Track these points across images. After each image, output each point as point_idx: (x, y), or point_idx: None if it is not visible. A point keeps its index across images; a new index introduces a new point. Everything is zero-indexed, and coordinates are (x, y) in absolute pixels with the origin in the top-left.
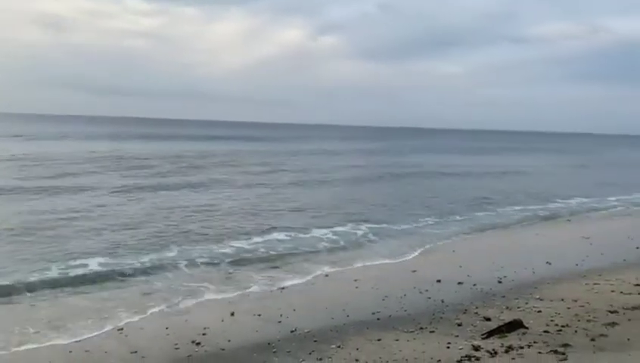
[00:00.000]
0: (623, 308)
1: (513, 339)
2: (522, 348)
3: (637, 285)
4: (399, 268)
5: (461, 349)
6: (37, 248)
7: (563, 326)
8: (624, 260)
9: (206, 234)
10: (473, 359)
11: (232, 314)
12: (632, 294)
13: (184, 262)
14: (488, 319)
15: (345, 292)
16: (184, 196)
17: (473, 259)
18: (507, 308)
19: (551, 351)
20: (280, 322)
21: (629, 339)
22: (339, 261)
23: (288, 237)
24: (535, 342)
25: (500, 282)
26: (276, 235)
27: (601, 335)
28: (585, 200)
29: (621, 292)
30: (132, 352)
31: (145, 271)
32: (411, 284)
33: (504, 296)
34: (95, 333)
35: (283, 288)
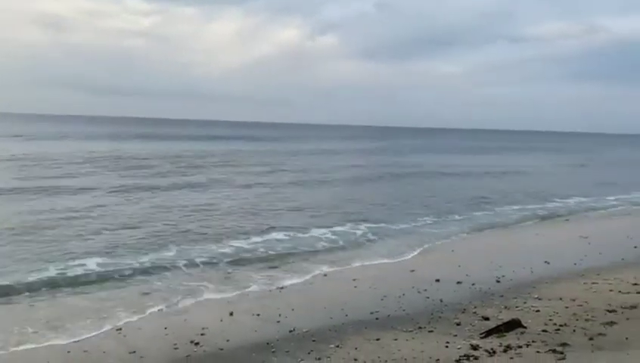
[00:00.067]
0: (622, 307)
1: (511, 338)
2: (520, 347)
3: (635, 284)
4: (398, 268)
5: (459, 348)
6: (36, 248)
7: (561, 325)
8: (622, 259)
9: (205, 234)
10: (471, 358)
11: (231, 314)
12: (630, 293)
13: (183, 262)
14: (486, 318)
15: (344, 291)
16: (183, 196)
17: (471, 258)
18: (505, 307)
19: (549, 350)
20: (278, 322)
21: (627, 339)
22: (338, 260)
23: (287, 237)
24: (533, 342)
25: (498, 281)
26: (275, 235)
27: (600, 334)
28: (583, 199)
29: (619, 291)
30: (130, 352)
31: (144, 271)
32: (409, 284)
33: (502, 296)
34: (94, 333)
35: (282, 288)
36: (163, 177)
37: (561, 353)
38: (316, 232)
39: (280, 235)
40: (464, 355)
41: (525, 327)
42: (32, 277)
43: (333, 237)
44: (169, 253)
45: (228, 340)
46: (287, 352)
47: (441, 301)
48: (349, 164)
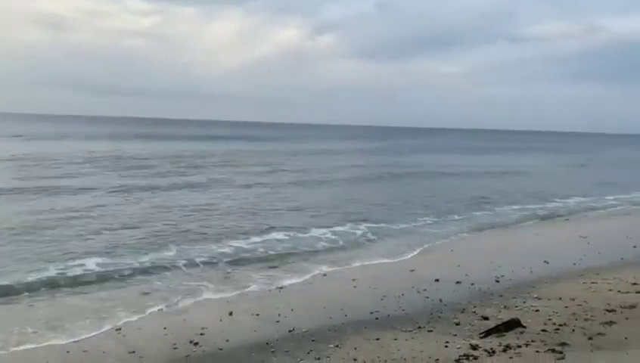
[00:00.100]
0: (621, 306)
1: (511, 338)
2: (520, 347)
3: (634, 284)
4: (398, 268)
5: (459, 348)
6: (36, 248)
7: (560, 325)
8: (622, 259)
9: (205, 234)
10: (471, 358)
11: (230, 313)
12: (629, 293)
13: (183, 262)
14: (486, 318)
15: (343, 291)
16: (183, 196)
17: (471, 258)
18: (505, 307)
19: (548, 350)
20: (278, 322)
21: (626, 338)
22: (337, 260)
23: (287, 237)
24: (532, 341)
25: (498, 281)
26: (275, 235)
27: (599, 334)
28: (583, 199)
29: (619, 291)
30: (130, 352)
31: (144, 271)
32: (409, 284)
33: (501, 296)
34: (93, 333)
35: (281, 288)
36: (162, 177)
37: (560, 353)
38: (316, 232)
39: (280, 235)
40: (464, 355)
41: (524, 327)
42: (31, 277)
43: (333, 237)
44: (169, 253)
45: (227, 340)
46: (287, 351)
47: (440, 301)
48: (349, 164)
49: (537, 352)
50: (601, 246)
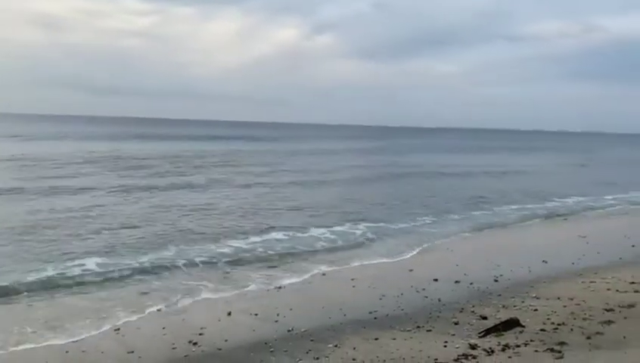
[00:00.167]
0: (619, 306)
1: (509, 337)
2: (518, 346)
3: (633, 283)
4: (396, 267)
5: (457, 347)
6: (35, 248)
7: (559, 324)
8: (620, 258)
9: (204, 234)
10: (470, 358)
11: (229, 313)
12: (627, 292)
13: (182, 262)
14: (484, 318)
15: (342, 291)
16: (183, 195)
17: (469, 257)
18: (503, 306)
19: (547, 349)
20: (277, 321)
21: (624, 337)
22: (336, 260)
23: (286, 237)
24: (531, 341)
25: (496, 281)
26: (274, 235)
27: (597, 333)
28: (581, 198)
29: (617, 290)
30: (128, 352)
31: (143, 271)
32: (408, 283)
33: (500, 295)
34: (92, 333)
35: (280, 287)
36: (161, 177)
37: (559, 352)
38: (315, 232)
39: (279, 235)
40: (463, 355)
41: (523, 326)
42: (31, 277)
43: (332, 236)
44: (168, 253)
45: (226, 340)
46: (286, 351)
47: (439, 300)
48: (348, 164)
49: (536, 351)
50: (599, 246)
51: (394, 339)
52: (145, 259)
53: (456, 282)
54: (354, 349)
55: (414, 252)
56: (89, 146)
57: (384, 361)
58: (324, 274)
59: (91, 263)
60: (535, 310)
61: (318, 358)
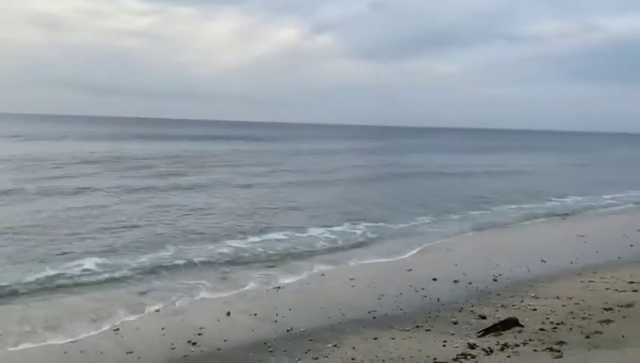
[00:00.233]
0: (618, 305)
1: (508, 337)
2: (517, 346)
3: (631, 282)
4: (396, 267)
5: (456, 347)
6: (34, 248)
7: (558, 324)
8: (619, 258)
9: (203, 234)
10: (469, 357)
11: (228, 313)
12: (626, 291)
13: (181, 262)
14: (483, 317)
15: (341, 291)
16: (182, 196)
17: (468, 257)
18: (502, 306)
19: (546, 348)
20: (276, 321)
21: (623, 336)
22: (335, 260)
23: (286, 237)
24: (530, 340)
25: (495, 280)
26: (273, 234)
27: (596, 332)
28: (580, 198)
29: (616, 289)
30: (127, 353)
31: (142, 271)
32: (407, 283)
33: (499, 295)
34: (91, 333)
35: (279, 287)
36: (161, 177)
37: (558, 351)
38: (315, 232)
39: (278, 235)
40: (462, 354)
41: (522, 326)
42: (30, 277)
43: (331, 236)
44: (167, 253)
45: (225, 340)
46: (285, 351)
47: (438, 300)
48: (348, 164)
49: (535, 350)
50: (598, 245)
51: (393, 338)
52: (144, 259)
53: (455, 282)
54: (353, 348)
55: (414, 252)
56: (89, 146)
57: (383, 360)
58: (323, 274)
59: (91, 263)
60: (534, 309)
61: (317, 358)
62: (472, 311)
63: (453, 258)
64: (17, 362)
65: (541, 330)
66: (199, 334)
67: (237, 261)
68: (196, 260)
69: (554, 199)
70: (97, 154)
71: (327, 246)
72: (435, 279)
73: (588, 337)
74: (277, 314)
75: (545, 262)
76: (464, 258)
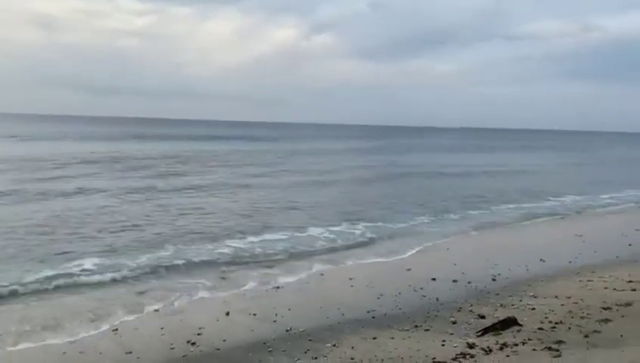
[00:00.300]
0: (616, 304)
1: (507, 336)
2: (516, 345)
3: (630, 282)
4: (394, 267)
5: (455, 346)
6: (33, 248)
7: (556, 323)
8: (617, 257)
9: (203, 233)
10: (468, 357)
11: (227, 313)
12: (625, 290)
13: (180, 262)
14: (482, 317)
15: (340, 291)
16: (181, 195)
17: (467, 257)
18: (501, 305)
19: (545, 348)
20: (275, 321)
21: (622, 336)
22: (335, 260)
23: (285, 237)
24: (529, 340)
25: (494, 280)
26: (273, 234)
27: (595, 331)
28: (578, 197)
29: (614, 288)
30: (126, 353)
31: (141, 271)
32: (406, 283)
33: (498, 294)
34: (90, 333)
35: (278, 287)
36: (161, 177)
37: (557, 351)
38: (314, 231)
39: (277, 235)
40: (461, 354)
41: (521, 325)
42: (29, 277)
43: (330, 236)
44: (166, 253)
45: (224, 340)
46: (284, 351)
47: (437, 299)
48: (347, 164)
49: (534, 350)
50: (596, 245)
51: (392, 338)
52: (144, 259)
53: (454, 281)
54: (352, 348)
55: (413, 252)
56: (89, 146)
57: (382, 360)
58: (322, 274)
59: (90, 263)
60: (533, 309)
61: (316, 358)
62: (471, 310)
63: (452, 257)
64: (16, 362)
65: (540, 329)
66: (198, 334)
67: (236, 261)
68: (195, 260)
69: (552, 198)
70: (96, 154)
71: (326, 245)
72: (434, 279)
73: (586, 336)
74: (276, 314)
75: (543, 261)
76: (463, 257)
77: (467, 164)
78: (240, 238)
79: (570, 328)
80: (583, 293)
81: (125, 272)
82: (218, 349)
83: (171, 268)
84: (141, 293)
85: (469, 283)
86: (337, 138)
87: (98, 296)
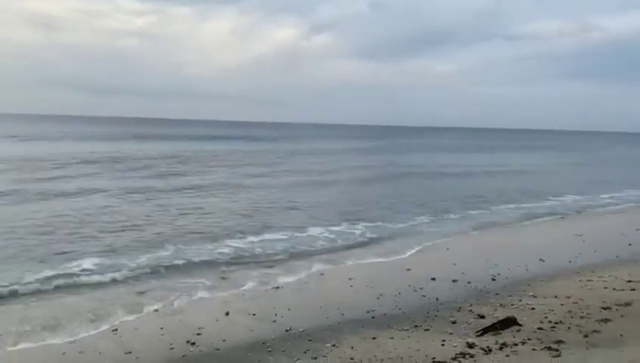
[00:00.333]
0: (616, 304)
1: (507, 336)
2: (516, 345)
3: (629, 281)
4: (394, 267)
5: (455, 346)
6: (33, 248)
7: (556, 323)
8: (617, 257)
9: (203, 233)
10: (467, 356)
11: (227, 313)
12: (624, 290)
13: (180, 262)
14: (482, 316)
15: (340, 291)
16: (181, 195)
17: (467, 257)
18: (501, 305)
19: (544, 347)
20: (275, 321)
21: (621, 335)
22: (334, 259)
23: (284, 236)
24: (529, 339)
25: (494, 280)
26: (272, 234)
27: (594, 331)
28: (578, 197)
29: (614, 288)
30: (126, 353)
31: (140, 271)
32: (405, 283)
33: (498, 294)
34: (90, 333)
35: (278, 287)
36: (161, 177)
37: (556, 350)
38: (314, 231)
39: (277, 235)
40: (460, 353)
41: (520, 325)
42: (29, 277)
43: (330, 236)
44: (166, 253)
45: (224, 340)
46: (284, 351)
47: (437, 299)
48: (347, 164)
49: (533, 349)
50: (596, 244)
51: (392, 338)
52: (143, 259)
53: (454, 281)
54: (352, 348)
55: (412, 252)
56: (89, 146)
57: (382, 360)
58: (322, 274)
59: (89, 263)
60: (533, 309)
61: (316, 358)
62: (471, 310)
63: (452, 257)
64: (16, 362)
65: (539, 329)
66: (198, 334)
67: (236, 261)
68: (195, 260)
69: (552, 198)
70: (96, 154)
71: (326, 245)
72: (434, 279)
73: (586, 336)
74: (276, 314)
75: (543, 261)
76: (463, 257)
77: (467, 164)
78: (240, 238)
79: (569, 328)
80: (583, 293)
81: (125, 272)
82: (217, 349)
83: (171, 268)
84: (141, 293)
85: (469, 283)
86: (337, 138)
87: (98, 296)
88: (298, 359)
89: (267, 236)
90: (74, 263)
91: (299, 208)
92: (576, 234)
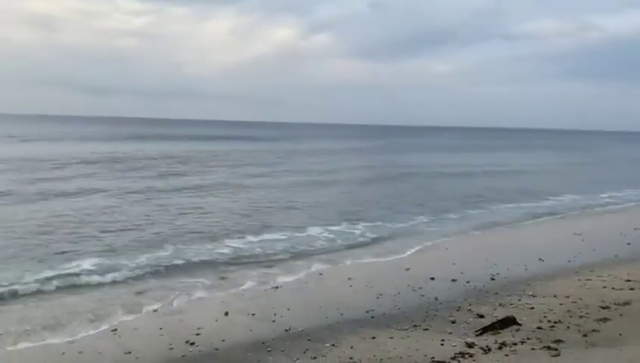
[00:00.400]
0: (615, 303)
1: (506, 335)
2: (515, 344)
3: (628, 281)
4: (393, 267)
5: (454, 345)
6: (32, 248)
7: (555, 322)
8: (616, 256)
9: (202, 233)
10: (466, 356)
11: (226, 313)
12: (623, 289)
13: (179, 261)
14: (481, 316)
15: (339, 290)
16: (180, 195)
17: (466, 256)
18: (500, 304)
19: (543, 347)
20: (274, 321)
21: (620, 335)
22: (333, 259)
23: (284, 236)
24: (528, 339)
25: (493, 279)
26: (272, 234)
27: (593, 330)
28: (577, 197)
29: (613, 287)
30: (125, 353)
31: (140, 271)
32: (405, 282)
33: (497, 293)
34: (89, 333)
35: (277, 287)
36: (160, 177)
37: (556, 350)
38: (313, 231)
39: (277, 234)
40: (460, 353)
41: (520, 324)
42: (28, 278)
43: (330, 236)
44: (165, 253)
45: (223, 340)
46: (283, 351)
47: (436, 299)
48: (347, 164)
49: (532, 349)
50: (595, 244)
51: (391, 338)
52: (143, 259)
53: (453, 281)
54: (351, 348)
55: (412, 252)
56: (88, 146)
57: (381, 360)
58: (321, 274)
59: (89, 263)
60: (532, 308)
61: (315, 358)
62: (470, 310)
63: (451, 257)
64: (15, 362)
65: (538, 328)
66: (197, 334)
67: (235, 260)
68: (194, 260)
69: (552, 198)
70: (96, 154)
71: (325, 245)
72: (433, 278)
73: (585, 335)
74: (275, 314)
75: (542, 260)
76: (462, 257)
77: (467, 164)
78: (240, 238)
79: (568, 327)
80: (582, 292)
81: (124, 272)
82: (217, 349)
83: (170, 268)
84: (140, 293)
85: (468, 282)
86: (336, 137)
87: (98, 296)
88: (297, 359)
89: (266, 236)
90: (74, 263)
91: (298, 208)
92: (575, 233)
